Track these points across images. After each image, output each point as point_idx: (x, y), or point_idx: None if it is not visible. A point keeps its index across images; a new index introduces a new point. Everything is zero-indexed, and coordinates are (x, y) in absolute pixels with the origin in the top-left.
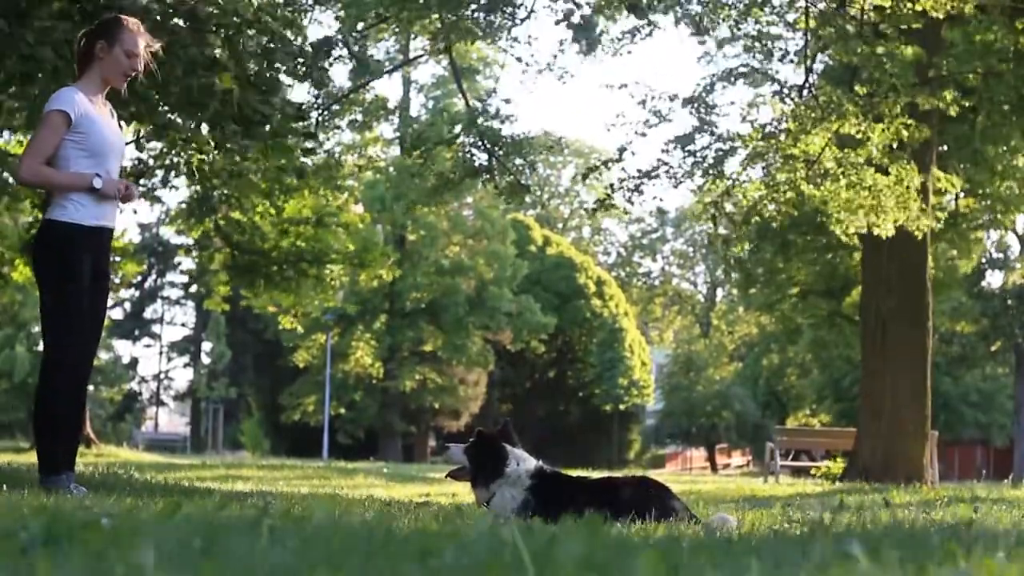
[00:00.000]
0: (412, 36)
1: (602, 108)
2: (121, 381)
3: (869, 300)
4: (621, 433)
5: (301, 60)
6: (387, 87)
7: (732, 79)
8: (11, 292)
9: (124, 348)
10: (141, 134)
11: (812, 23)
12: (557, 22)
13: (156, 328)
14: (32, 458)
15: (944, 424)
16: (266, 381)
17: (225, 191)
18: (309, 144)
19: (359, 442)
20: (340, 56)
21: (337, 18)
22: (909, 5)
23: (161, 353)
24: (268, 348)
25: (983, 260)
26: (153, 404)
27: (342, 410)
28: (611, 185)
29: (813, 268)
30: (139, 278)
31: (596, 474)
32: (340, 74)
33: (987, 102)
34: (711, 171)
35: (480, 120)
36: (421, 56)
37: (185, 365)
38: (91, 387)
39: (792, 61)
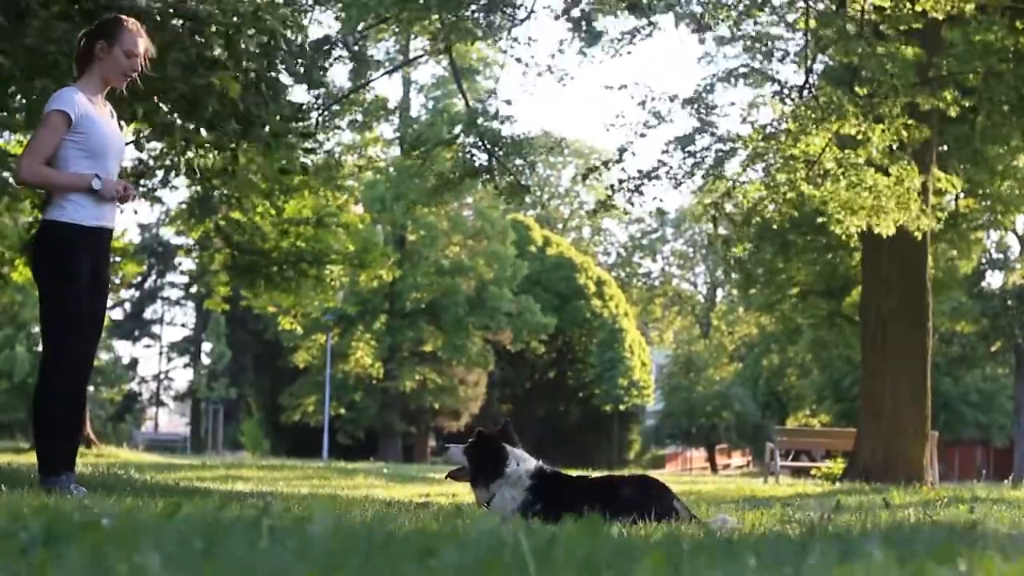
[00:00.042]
0: (412, 36)
1: (602, 108)
2: (121, 381)
3: (869, 300)
4: (621, 433)
5: (300, 60)
6: (387, 87)
7: (732, 79)
8: (11, 292)
9: (124, 348)
10: (141, 134)
11: (812, 23)
12: (557, 17)
13: (156, 328)
14: (32, 458)
15: (944, 424)
16: (266, 381)
17: (225, 191)
18: (308, 144)
19: (359, 442)
20: (340, 56)
21: (337, 18)
22: (909, 5)
23: (161, 353)
24: (268, 348)
25: (983, 260)
26: (153, 404)
27: (342, 410)
28: (611, 186)
29: (813, 268)
30: (139, 278)
31: (596, 474)
32: (340, 74)
33: (987, 102)
34: (711, 172)
35: (480, 120)
36: (421, 56)
37: (185, 365)
38: (91, 388)
39: (793, 61)
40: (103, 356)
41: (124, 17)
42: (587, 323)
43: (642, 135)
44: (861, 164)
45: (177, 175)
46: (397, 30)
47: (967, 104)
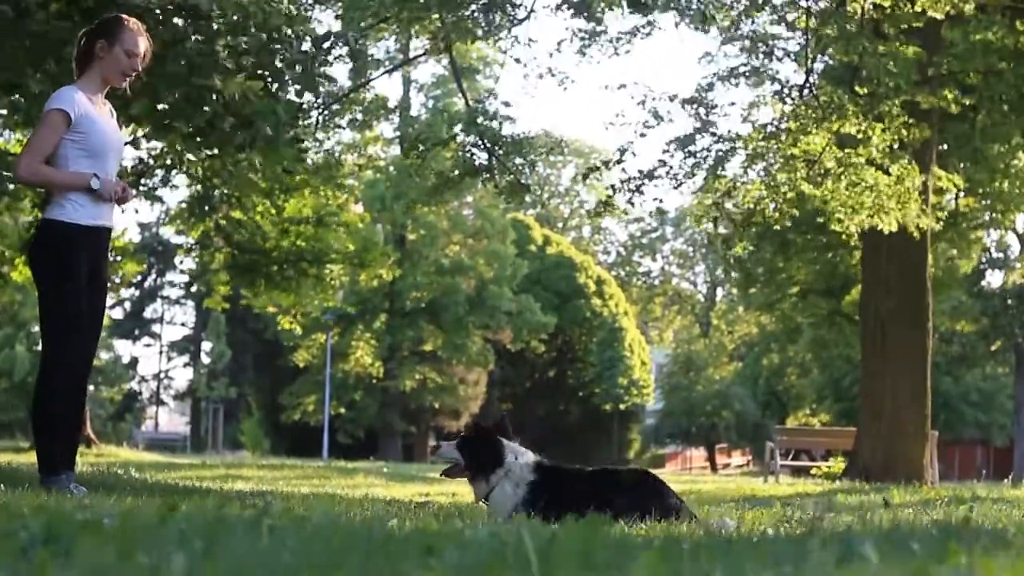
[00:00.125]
0: (412, 36)
1: (602, 108)
2: (121, 381)
3: (869, 300)
4: (621, 433)
5: (299, 63)
6: (387, 87)
7: (733, 79)
8: (11, 292)
9: (124, 348)
10: (140, 134)
11: (812, 23)
12: (559, 6)
13: (156, 328)
14: (32, 458)
15: (944, 424)
16: (266, 381)
17: (225, 190)
18: (303, 146)
19: (359, 442)
20: (340, 56)
21: (337, 17)
22: (909, 5)
23: (161, 353)
24: (268, 348)
25: (983, 260)
26: (153, 404)
27: (342, 410)
28: (612, 186)
29: (813, 267)
30: (139, 278)
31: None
32: (340, 74)
33: (987, 101)
34: (712, 172)
35: (480, 120)
36: (421, 55)
37: (185, 365)
38: (91, 387)
39: (794, 61)
40: (103, 355)
41: (125, 17)
42: (587, 322)
43: (642, 135)
44: (862, 163)
45: (178, 173)
46: (397, 29)
47: (967, 103)
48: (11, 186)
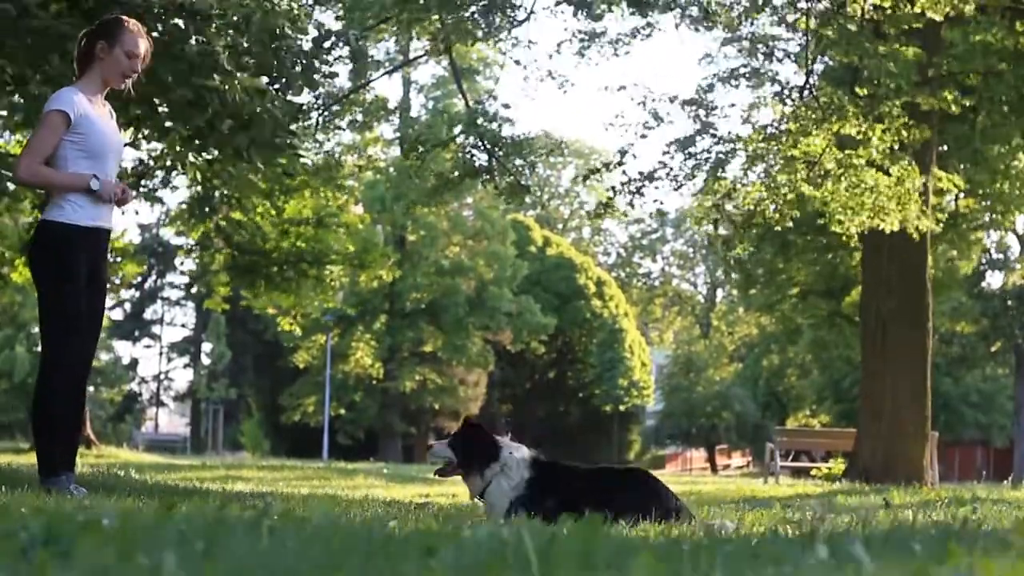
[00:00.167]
0: (412, 37)
1: (602, 109)
2: (121, 382)
3: (869, 301)
4: (621, 434)
5: (300, 60)
6: (387, 87)
7: (733, 80)
8: (11, 293)
9: (124, 349)
10: (140, 136)
11: (812, 24)
12: (557, 3)
13: (156, 329)
14: (32, 458)
15: (944, 425)
16: (266, 382)
17: (225, 191)
18: (299, 151)
19: (359, 443)
20: (340, 57)
21: (338, 18)
22: (909, 6)
23: (161, 354)
24: (268, 349)
25: (983, 260)
26: (153, 405)
27: (342, 411)
28: (612, 188)
29: (813, 268)
30: (139, 279)
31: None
32: (340, 75)
33: (987, 102)
34: (712, 173)
35: (480, 121)
36: (421, 56)
37: (185, 366)
38: (91, 388)
39: (794, 62)
40: (103, 356)
41: (125, 18)
42: (587, 323)
43: (643, 136)
44: (862, 164)
45: (178, 174)
46: (397, 30)
47: (967, 104)
48: (11, 187)
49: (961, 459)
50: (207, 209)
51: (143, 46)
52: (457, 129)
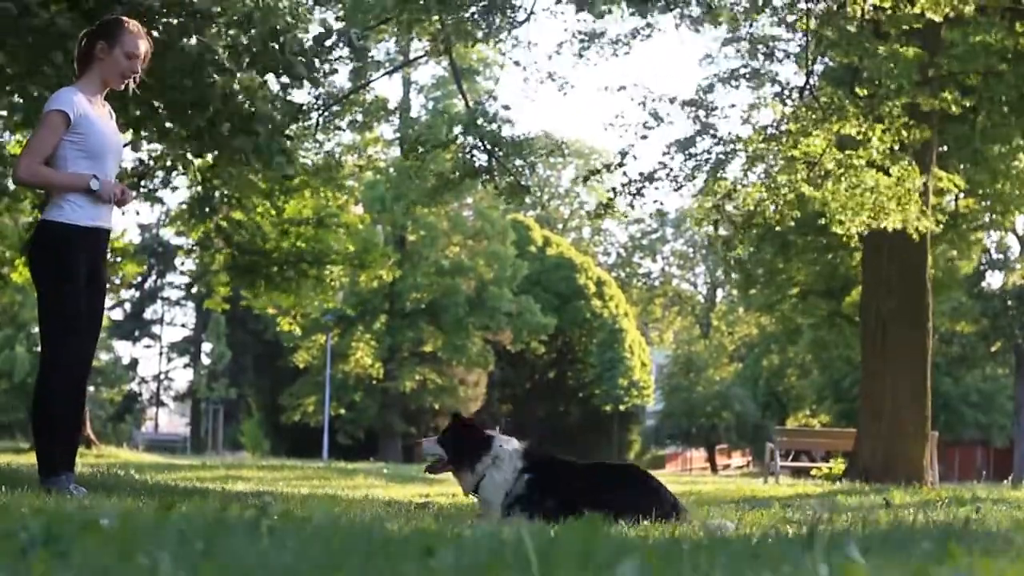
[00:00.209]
0: (413, 37)
1: (602, 109)
2: (121, 382)
3: (869, 301)
4: (621, 434)
5: (302, 57)
6: (387, 88)
7: (733, 81)
8: (11, 292)
9: (124, 349)
10: (140, 136)
11: (812, 24)
12: (557, 0)
13: (156, 329)
14: (32, 458)
15: (944, 425)
16: (266, 382)
17: (225, 191)
18: (294, 155)
19: (359, 443)
20: (340, 57)
21: (338, 18)
22: (909, 6)
23: (161, 354)
24: (268, 349)
25: (983, 260)
26: (153, 405)
27: (342, 411)
28: (613, 189)
29: (813, 268)
30: (139, 279)
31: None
32: (340, 74)
33: (987, 102)
34: (712, 174)
35: (480, 121)
36: (421, 57)
37: (185, 366)
38: (91, 388)
39: (794, 62)
40: (103, 356)
41: (125, 19)
42: (587, 323)
43: (643, 137)
44: (862, 165)
45: (179, 175)
46: (397, 31)
47: (967, 104)
48: (11, 187)
49: (961, 459)
50: (207, 209)
51: (143, 47)
52: (457, 129)
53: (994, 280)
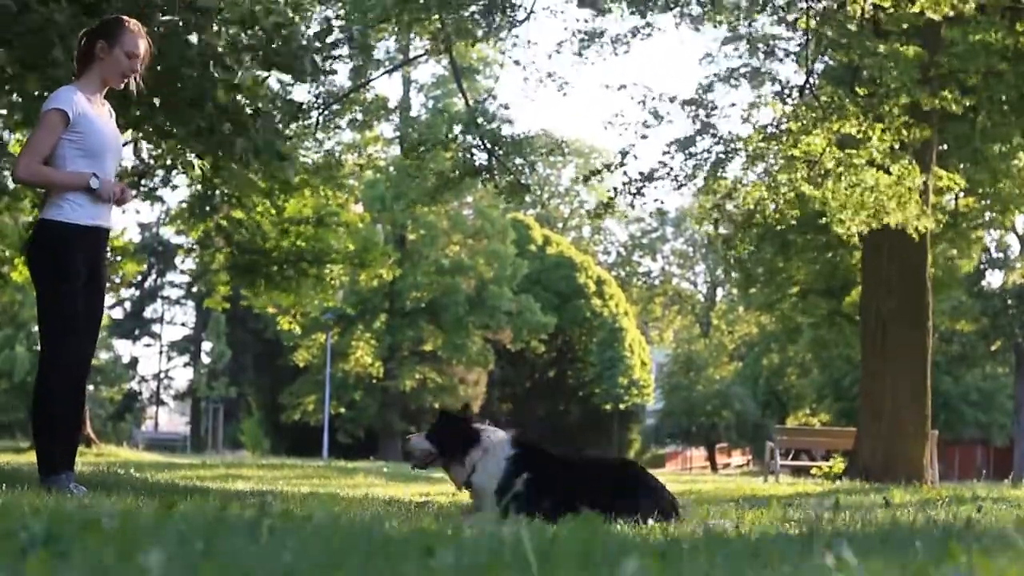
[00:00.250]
0: (413, 36)
1: (602, 107)
2: (121, 381)
3: (869, 300)
4: (621, 433)
5: (303, 52)
6: (387, 86)
7: (733, 80)
8: (11, 292)
9: (124, 348)
10: (139, 136)
11: (813, 23)
12: None
13: (156, 328)
14: (32, 458)
15: (944, 424)
16: (266, 380)
17: (226, 190)
18: (291, 157)
19: (359, 442)
20: (340, 56)
21: (338, 17)
22: (909, 5)
23: (161, 353)
24: (268, 347)
25: (983, 260)
26: (153, 404)
27: (342, 409)
28: (614, 188)
29: (813, 267)
30: (139, 278)
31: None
32: (341, 74)
33: (987, 101)
34: (712, 174)
35: (480, 120)
36: (421, 56)
37: (185, 364)
38: (91, 387)
39: (794, 61)
40: (103, 355)
41: (126, 18)
42: (587, 322)
43: (643, 137)
44: (862, 164)
45: (179, 174)
46: (397, 30)
47: (967, 103)
48: (11, 186)
49: (961, 458)
50: (207, 208)
51: (143, 46)
52: (457, 128)
53: (994, 279)
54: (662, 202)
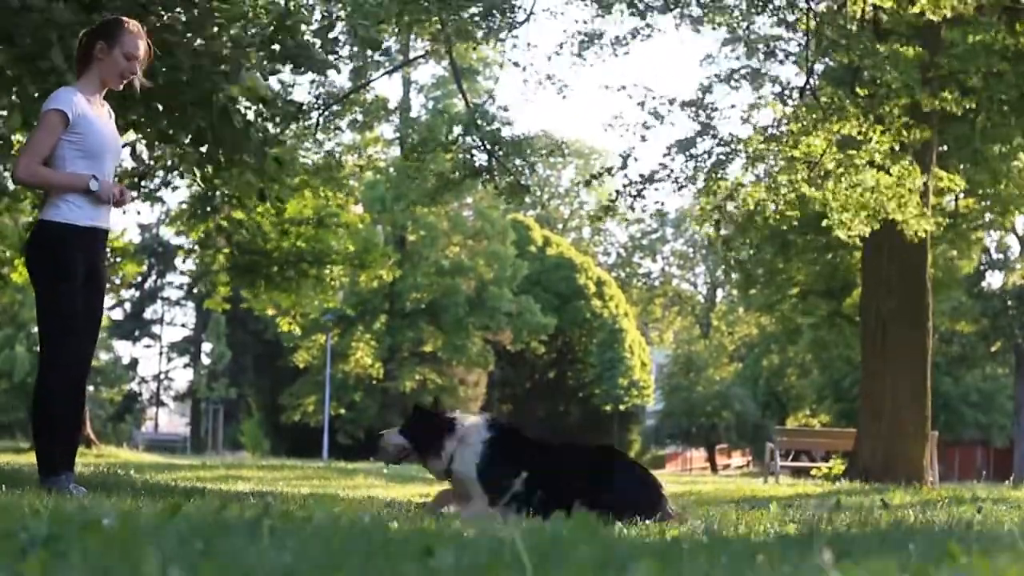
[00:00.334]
0: (413, 37)
1: (602, 109)
2: (121, 382)
3: (869, 301)
4: (621, 433)
5: (304, 51)
6: (387, 87)
7: (733, 81)
8: (11, 292)
9: (124, 349)
10: (139, 138)
11: (813, 24)
12: None
13: (156, 328)
14: (32, 458)
15: (944, 424)
16: (266, 381)
17: (226, 191)
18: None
19: (359, 442)
20: (342, 57)
21: (339, 17)
22: (909, 6)
23: (161, 353)
24: (268, 348)
25: (983, 260)
26: (153, 404)
27: (342, 410)
28: (616, 191)
29: (813, 268)
30: (139, 279)
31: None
32: (341, 75)
33: (987, 102)
34: (712, 175)
35: (480, 121)
36: (421, 57)
37: (185, 365)
38: (91, 388)
39: (794, 62)
40: (103, 356)
41: (125, 19)
42: (587, 323)
43: (643, 138)
44: (863, 164)
45: (179, 176)
46: (397, 31)
47: (967, 104)
48: (11, 187)
49: (961, 459)
50: (207, 209)
51: (142, 47)
52: (457, 129)
53: (994, 280)
54: (663, 204)
